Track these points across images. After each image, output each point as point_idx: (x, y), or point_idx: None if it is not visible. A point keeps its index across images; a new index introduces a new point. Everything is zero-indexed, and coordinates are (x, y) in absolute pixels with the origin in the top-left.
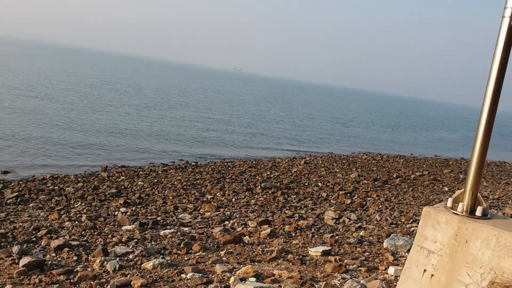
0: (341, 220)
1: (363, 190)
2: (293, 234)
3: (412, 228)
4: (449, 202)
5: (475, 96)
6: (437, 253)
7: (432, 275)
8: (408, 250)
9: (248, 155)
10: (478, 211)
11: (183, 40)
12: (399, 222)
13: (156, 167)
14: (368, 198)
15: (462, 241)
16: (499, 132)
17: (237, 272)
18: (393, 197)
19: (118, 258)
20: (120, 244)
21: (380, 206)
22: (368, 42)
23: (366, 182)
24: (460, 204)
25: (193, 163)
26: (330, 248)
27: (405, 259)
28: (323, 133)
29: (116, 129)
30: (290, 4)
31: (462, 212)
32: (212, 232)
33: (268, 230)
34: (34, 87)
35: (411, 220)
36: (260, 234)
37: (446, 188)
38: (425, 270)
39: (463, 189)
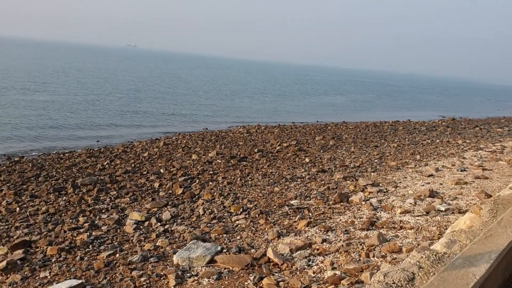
0: (146, 224)
1: (211, 172)
2: (53, 260)
3: (236, 222)
4: None
5: (366, 60)
6: None
7: None
8: (208, 262)
9: (103, 141)
10: None
11: (65, 14)
12: (225, 214)
13: None
14: (210, 183)
15: None
16: (389, 93)
17: None
18: (239, 178)
19: None
20: None
21: (214, 194)
22: (258, 12)
23: (219, 161)
24: None
25: (16, 159)
26: (80, 282)
27: (196, 282)
28: (204, 108)
29: None
30: None
31: None
32: None
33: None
34: None
35: (240, 210)
36: None
37: (307, 160)
38: None
39: None
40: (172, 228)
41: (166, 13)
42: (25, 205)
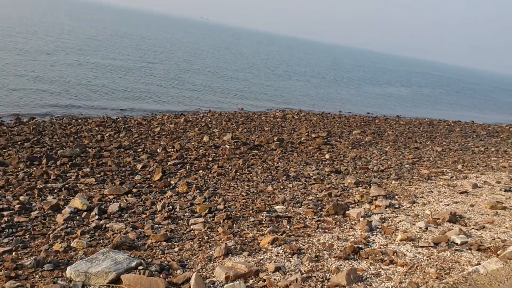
0: (83, 215)
1: (210, 159)
2: None
3: (192, 226)
4: None
5: (448, 53)
6: None
7: None
8: (111, 282)
9: (128, 110)
10: None
11: None
12: (185, 214)
13: None
14: (201, 171)
15: None
16: (461, 90)
17: None
18: (236, 170)
19: None
20: None
21: (192, 186)
22: None
23: (227, 146)
24: None
25: (25, 120)
26: None
27: None
28: (250, 87)
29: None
30: None
31: None
32: None
33: None
34: None
35: (206, 211)
36: None
37: (327, 156)
38: None
39: None
40: (108, 225)
41: None
42: None
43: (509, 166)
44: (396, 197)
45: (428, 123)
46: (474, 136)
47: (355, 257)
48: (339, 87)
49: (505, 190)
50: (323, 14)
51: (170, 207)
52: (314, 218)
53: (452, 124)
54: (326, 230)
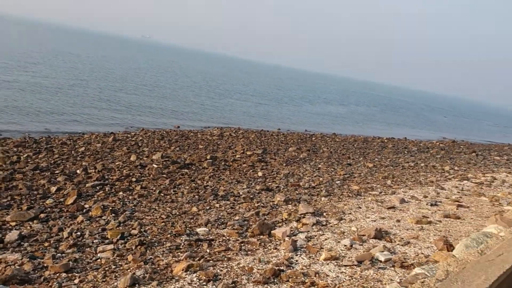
0: None
1: (134, 179)
2: None
3: (99, 254)
4: None
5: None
6: None
7: None
8: None
9: (55, 129)
10: None
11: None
12: (95, 241)
13: None
14: (121, 192)
15: None
16: (394, 108)
17: None
18: (160, 190)
19: None
20: None
21: (106, 210)
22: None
23: (155, 165)
24: None
25: None
26: None
27: None
28: (188, 105)
29: None
30: None
31: None
32: None
33: None
34: None
35: (118, 237)
36: None
37: (260, 173)
38: None
39: None
40: (1, 256)
41: (188, 8)
42: None
43: (437, 180)
44: (324, 214)
45: (362, 140)
46: (406, 152)
47: (275, 280)
48: (280, 106)
49: (431, 205)
50: (268, 38)
51: (79, 233)
52: (238, 240)
53: (386, 140)
54: (249, 252)
